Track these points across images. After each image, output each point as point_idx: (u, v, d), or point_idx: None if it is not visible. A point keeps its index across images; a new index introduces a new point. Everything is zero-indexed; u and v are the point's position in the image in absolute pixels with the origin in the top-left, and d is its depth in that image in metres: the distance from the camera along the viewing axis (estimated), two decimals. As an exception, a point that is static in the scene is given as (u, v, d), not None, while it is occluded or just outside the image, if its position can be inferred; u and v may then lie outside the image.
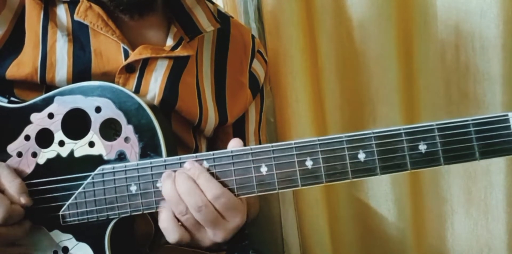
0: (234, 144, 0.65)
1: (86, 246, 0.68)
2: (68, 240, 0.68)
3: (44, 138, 0.70)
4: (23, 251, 0.69)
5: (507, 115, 0.60)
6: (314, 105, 1.13)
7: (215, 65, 0.88)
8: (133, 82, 0.77)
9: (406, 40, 1.15)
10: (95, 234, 0.67)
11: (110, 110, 0.68)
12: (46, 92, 0.72)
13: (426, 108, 1.16)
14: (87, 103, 0.69)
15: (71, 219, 0.68)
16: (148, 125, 0.67)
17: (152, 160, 0.65)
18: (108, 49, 0.76)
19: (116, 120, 0.68)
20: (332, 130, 1.15)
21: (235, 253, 0.88)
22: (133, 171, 0.66)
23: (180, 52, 0.81)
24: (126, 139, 0.67)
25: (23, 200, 0.66)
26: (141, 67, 0.78)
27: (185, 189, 0.62)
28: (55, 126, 0.69)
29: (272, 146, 0.63)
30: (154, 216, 0.74)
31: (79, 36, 0.77)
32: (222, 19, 0.90)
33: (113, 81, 0.75)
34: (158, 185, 0.65)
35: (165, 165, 0.65)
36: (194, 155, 0.65)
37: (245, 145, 0.67)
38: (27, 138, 0.70)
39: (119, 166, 0.66)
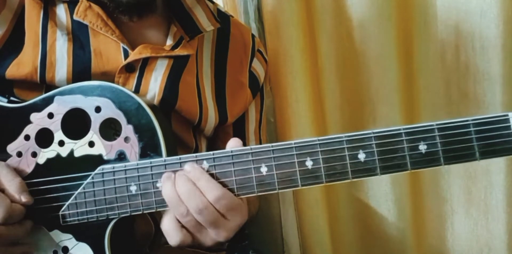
0: (233, 144, 0.65)
1: (86, 246, 0.68)
2: (68, 240, 0.68)
3: (44, 138, 0.69)
4: (24, 250, 0.68)
5: (507, 115, 0.60)
6: (314, 105, 1.13)
7: (215, 64, 0.88)
8: (133, 82, 0.77)
9: (406, 40, 1.14)
10: (95, 234, 0.67)
11: (110, 110, 0.68)
12: (46, 92, 0.72)
13: (426, 108, 1.15)
14: (87, 103, 0.68)
15: (71, 219, 0.67)
16: (148, 125, 0.67)
17: (152, 160, 0.65)
18: (108, 49, 0.76)
19: (116, 120, 0.68)
20: (332, 130, 1.15)
21: (235, 253, 0.88)
22: (133, 171, 0.66)
23: (180, 51, 0.80)
24: (126, 139, 0.67)
25: (23, 198, 0.66)
26: (141, 67, 0.78)
27: (185, 191, 0.62)
28: (55, 126, 0.69)
29: (272, 146, 0.63)
30: (154, 216, 0.74)
31: (79, 36, 0.77)
32: (222, 19, 0.90)
33: (113, 81, 0.75)
34: (158, 185, 0.64)
35: (165, 164, 0.65)
36: (194, 154, 0.64)
37: (245, 144, 0.67)
38: (27, 137, 0.70)
39: (119, 165, 0.66)
